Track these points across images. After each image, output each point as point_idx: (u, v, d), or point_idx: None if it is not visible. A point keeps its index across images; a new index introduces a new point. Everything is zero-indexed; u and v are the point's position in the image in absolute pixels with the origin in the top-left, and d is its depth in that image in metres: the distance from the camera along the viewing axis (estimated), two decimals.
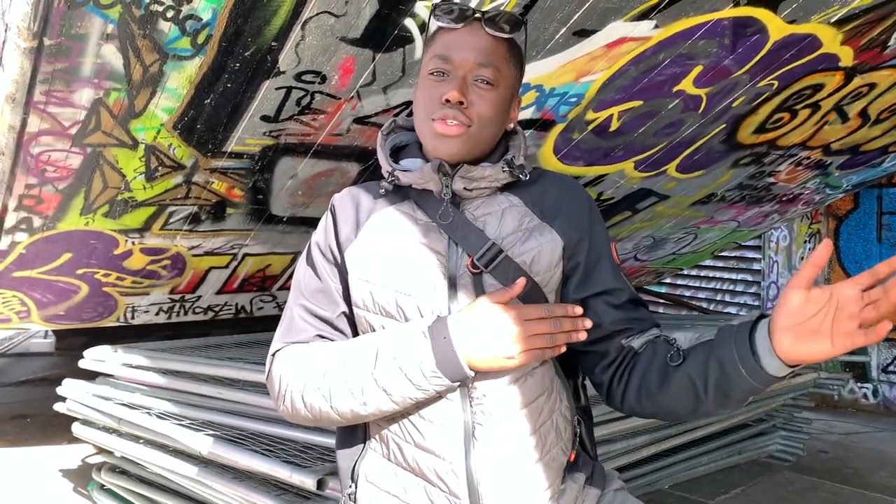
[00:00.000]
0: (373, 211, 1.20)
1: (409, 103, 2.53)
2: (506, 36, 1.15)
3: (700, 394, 1.06)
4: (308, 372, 1.14)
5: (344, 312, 1.20)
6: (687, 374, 1.07)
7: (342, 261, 1.19)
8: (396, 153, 1.25)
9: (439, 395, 1.10)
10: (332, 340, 1.19)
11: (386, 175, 1.20)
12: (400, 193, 1.21)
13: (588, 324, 1.12)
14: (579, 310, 1.12)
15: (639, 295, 1.22)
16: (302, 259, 1.25)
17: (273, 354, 1.21)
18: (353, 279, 1.17)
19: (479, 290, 1.12)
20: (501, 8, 2.14)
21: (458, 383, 1.07)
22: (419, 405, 1.10)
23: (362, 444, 1.19)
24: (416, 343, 1.06)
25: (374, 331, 1.15)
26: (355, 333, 1.21)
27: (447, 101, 1.12)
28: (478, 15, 1.14)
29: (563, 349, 1.11)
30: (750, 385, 1.01)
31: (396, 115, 2.58)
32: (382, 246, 1.16)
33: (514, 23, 1.16)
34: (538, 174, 1.23)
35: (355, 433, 1.21)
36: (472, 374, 1.06)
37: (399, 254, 1.15)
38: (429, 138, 1.16)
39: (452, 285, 1.12)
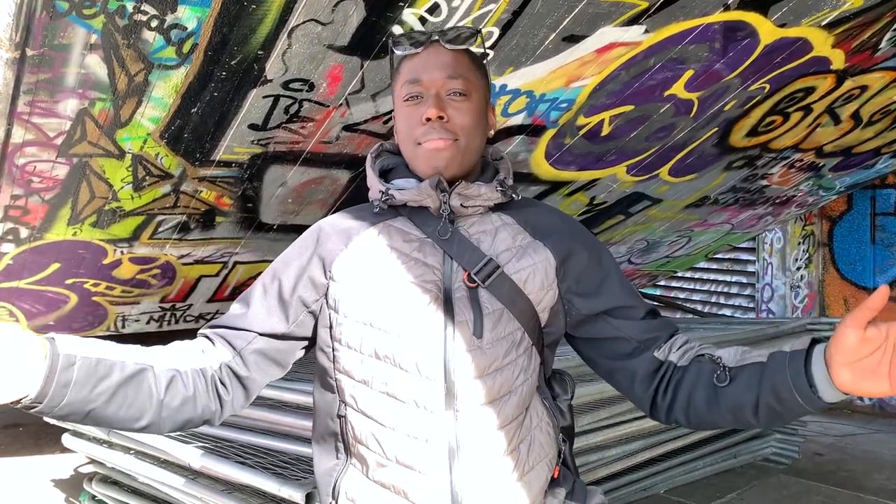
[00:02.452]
0: (364, 226, 1.20)
1: None
2: (464, 47, 1.19)
3: (749, 416, 1.08)
4: None
5: (269, 321, 1.18)
6: (737, 396, 1.09)
7: (326, 273, 1.18)
8: (384, 175, 1.26)
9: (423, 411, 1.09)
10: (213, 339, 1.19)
11: (378, 195, 1.20)
12: (392, 212, 1.21)
13: None
14: None
15: (653, 305, 1.23)
16: (268, 269, 1.25)
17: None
18: (341, 288, 1.16)
19: (474, 304, 1.12)
20: (490, 14, 2.14)
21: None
22: (404, 422, 1.09)
23: (343, 460, 1.18)
24: None
25: (358, 341, 1.14)
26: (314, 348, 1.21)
27: (427, 119, 1.14)
28: (435, 37, 1.18)
29: None
30: (805, 410, 1.04)
31: (385, 122, 2.57)
32: (376, 257, 1.17)
33: (471, 35, 1.20)
34: (529, 202, 1.26)
35: (335, 449, 1.19)
36: None
37: (393, 265, 1.15)
38: (420, 160, 1.17)
39: (448, 299, 1.13)
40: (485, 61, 1.26)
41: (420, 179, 1.19)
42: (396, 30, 2.12)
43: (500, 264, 1.14)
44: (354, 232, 1.20)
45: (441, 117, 1.14)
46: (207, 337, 1.19)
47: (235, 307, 1.21)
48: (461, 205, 1.17)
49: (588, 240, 1.24)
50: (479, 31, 1.21)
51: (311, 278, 1.19)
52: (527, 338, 1.16)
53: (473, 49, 1.22)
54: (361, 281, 1.15)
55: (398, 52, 1.20)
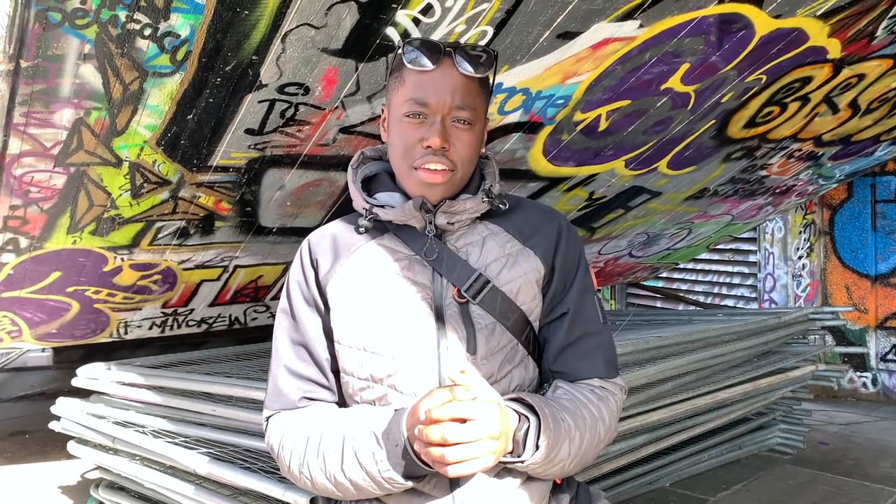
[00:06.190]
0: (353, 245, 1.19)
1: None
2: (480, 76, 1.15)
3: None
4: (301, 451, 1.13)
5: (325, 361, 1.18)
6: None
7: (323, 296, 1.18)
8: (367, 183, 1.25)
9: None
10: (317, 401, 1.19)
11: (362, 212, 1.19)
12: (379, 227, 1.20)
13: None
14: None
15: (605, 336, 1.22)
16: (280, 309, 1.23)
17: (267, 420, 1.21)
18: (335, 314, 1.15)
19: (466, 321, 1.12)
20: (484, 14, 2.13)
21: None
22: None
23: None
24: (373, 448, 1.05)
25: (355, 366, 1.14)
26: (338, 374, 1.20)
27: (429, 147, 1.11)
28: (449, 49, 1.13)
29: None
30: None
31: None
32: (366, 280, 1.16)
33: (487, 58, 1.15)
34: (516, 202, 1.24)
35: None
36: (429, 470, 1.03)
37: (384, 287, 1.15)
38: (413, 184, 1.15)
39: (440, 317, 1.12)
40: (492, 85, 1.22)
41: (404, 192, 1.19)
42: (390, 32, 2.12)
43: (490, 277, 1.13)
44: (343, 252, 1.19)
45: (444, 147, 1.11)
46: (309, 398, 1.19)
47: (289, 379, 1.19)
48: (448, 222, 1.16)
49: (568, 243, 1.21)
50: (496, 56, 1.15)
51: (316, 308, 1.19)
52: (521, 349, 1.16)
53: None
54: (354, 306, 1.14)
55: (409, 66, 1.13)
